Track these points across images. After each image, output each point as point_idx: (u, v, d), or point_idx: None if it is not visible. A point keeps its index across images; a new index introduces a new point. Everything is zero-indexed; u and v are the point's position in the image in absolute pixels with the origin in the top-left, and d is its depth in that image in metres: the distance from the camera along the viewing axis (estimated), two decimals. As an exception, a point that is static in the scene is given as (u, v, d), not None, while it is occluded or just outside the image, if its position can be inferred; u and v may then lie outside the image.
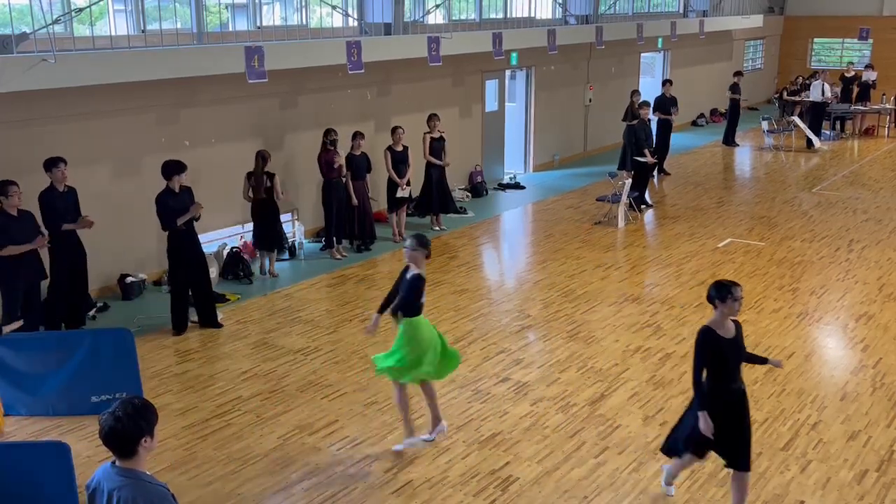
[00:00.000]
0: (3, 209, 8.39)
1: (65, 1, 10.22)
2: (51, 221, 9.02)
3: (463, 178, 16.25)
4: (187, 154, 11.44)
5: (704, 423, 5.70)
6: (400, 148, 12.85)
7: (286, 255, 12.29)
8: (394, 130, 12.85)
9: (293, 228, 12.98)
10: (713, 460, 6.86)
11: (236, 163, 12.11)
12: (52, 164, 9.07)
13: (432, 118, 13.47)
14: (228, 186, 12.08)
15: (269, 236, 11.52)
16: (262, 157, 11.28)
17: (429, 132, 13.45)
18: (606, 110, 20.21)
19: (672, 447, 6.17)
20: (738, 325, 5.88)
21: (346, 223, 12.46)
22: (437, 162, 13.48)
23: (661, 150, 17.35)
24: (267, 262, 11.66)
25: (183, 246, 9.42)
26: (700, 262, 12.13)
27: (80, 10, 10.15)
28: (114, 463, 3.82)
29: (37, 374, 7.61)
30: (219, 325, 9.71)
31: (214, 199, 11.94)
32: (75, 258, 9.31)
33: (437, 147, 13.47)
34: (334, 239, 12.37)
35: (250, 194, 11.35)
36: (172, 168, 9.38)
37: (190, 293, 9.62)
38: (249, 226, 12.49)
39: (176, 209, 9.26)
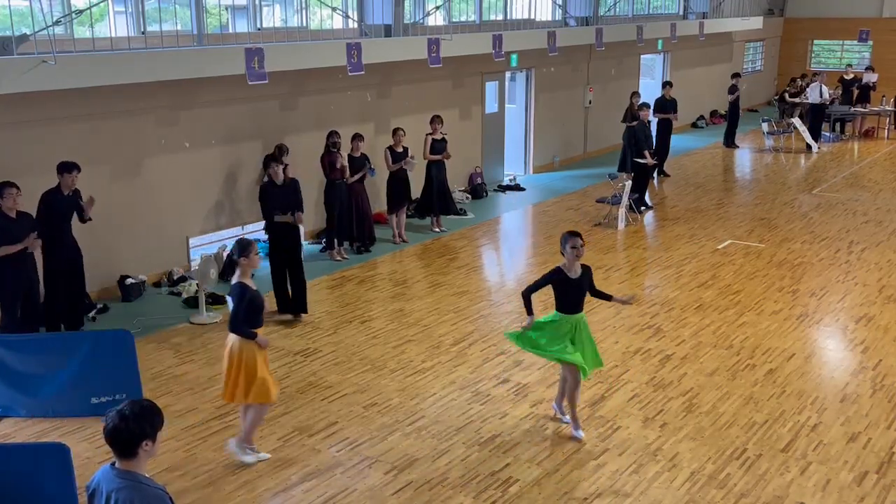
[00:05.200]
0: (2, 211, 8.38)
1: (65, 2, 10.23)
2: (48, 222, 9.02)
3: (463, 179, 16.25)
4: (187, 155, 11.47)
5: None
6: (400, 149, 12.86)
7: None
8: (394, 132, 12.88)
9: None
10: (713, 461, 6.87)
11: (236, 164, 12.13)
12: (65, 168, 9.06)
13: (434, 120, 13.47)
14: (228, 188, 12.09)
15: None
16: (278, 149, 11.76)
17: (431, 133, 13.46)
18: (606, 112, 20.21)
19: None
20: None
21: (347, 225, 12.46)
22: (437, 157, 13.46)
23: (661, 151, 17.37)
24: None
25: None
26: (700, 263, 12.13)
27: (81, 11, 10.16)
28: (113, 464, 3.82)
29: (37, 376, 7.61)
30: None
31: (214, 200, 11.96)
32: (71, 259, 9.30)
33: (438, 148, 13.47)
34: (335, 241, 12.37)
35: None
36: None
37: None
38: (249, 227, 12.53)
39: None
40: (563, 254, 7.16)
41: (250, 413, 6.89)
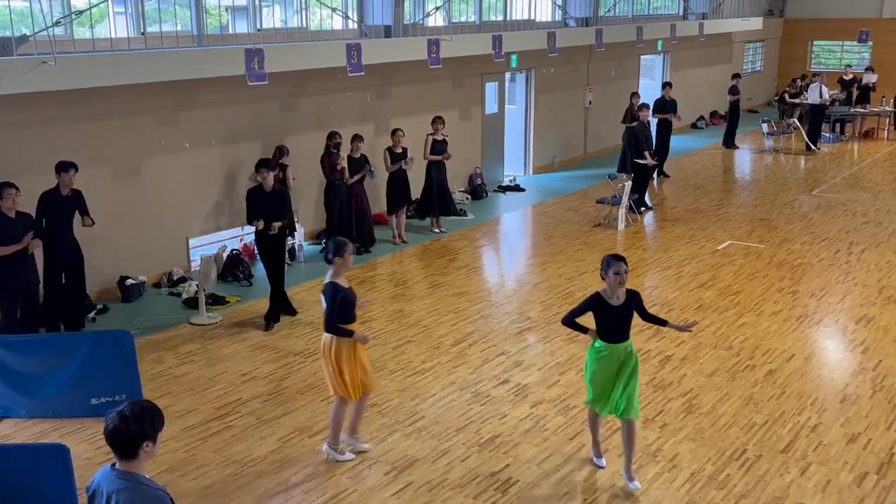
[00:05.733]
0: (1, 211, 8.38)
1: (65, 3, 10.23)
2: (47, 222, 9.01)
3: (463, 180, 16.26)
4: (187, 156, 11.47)
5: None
6: (399, 150, 12.87)
7: (287, 259, 12.28)
8: (393, 132, 12.89)
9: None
10: (713, 462, 6.87)
11: (236, 165, 12.13)
12: (62, 167, 9.06)
13: (436, 120, 13.48)
14: (228, 189, 12.09)
15: None
16: (278, 150, 11.81)
17: (432, 134, 13.46)
18: (606, 112, 20.22)
19: None
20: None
21: (347, 226, 12.46)
22: (437, 158, 13.46)
23: (661, 152, 17.37)
24: None
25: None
26: (700, 264, 12.13)
27: (81, 12, 10.16)
28: (114, 465, 3.82)
29: (37, 376, 7.61)
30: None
31: (214, 201, 11.96)
32: (71, 259, 9.30)
33: (438, 149, 13.47)
34: (335, 241, 12.36)
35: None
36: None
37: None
38: (249, 228, 12.52)
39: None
40: (603, 278, 6.48)
41: (351, 409, 6.99)
